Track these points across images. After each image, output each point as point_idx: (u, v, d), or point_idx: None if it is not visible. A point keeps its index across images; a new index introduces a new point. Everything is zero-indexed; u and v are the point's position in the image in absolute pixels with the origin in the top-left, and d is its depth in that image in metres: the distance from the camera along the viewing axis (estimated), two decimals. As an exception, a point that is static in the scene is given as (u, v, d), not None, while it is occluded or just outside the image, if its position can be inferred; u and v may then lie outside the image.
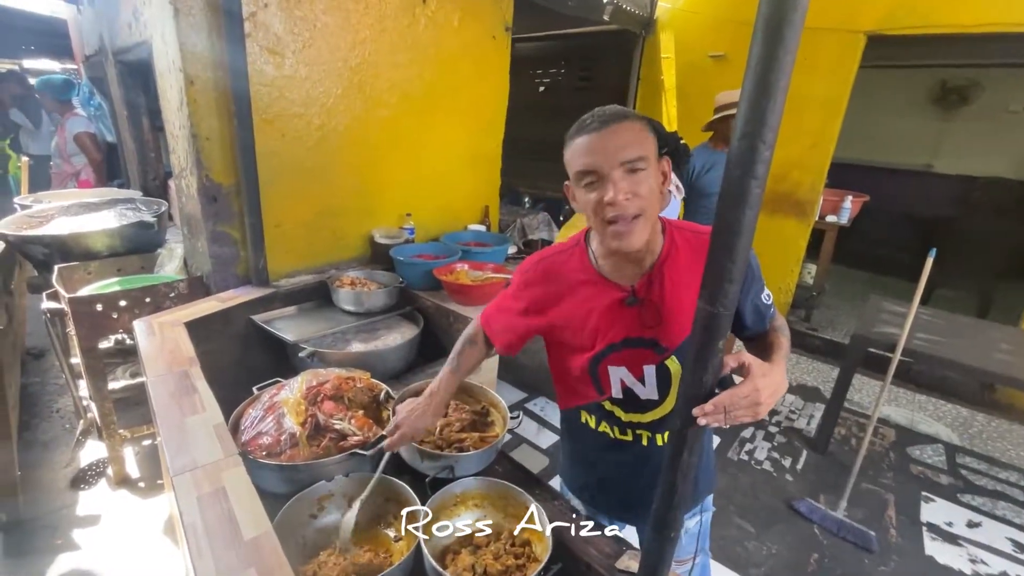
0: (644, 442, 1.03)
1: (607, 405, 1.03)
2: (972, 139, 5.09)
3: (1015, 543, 2.15)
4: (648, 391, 0.97)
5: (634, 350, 0.94)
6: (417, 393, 1.39)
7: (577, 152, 0.85)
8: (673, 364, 0.94)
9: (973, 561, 2.05)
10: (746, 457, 2.61)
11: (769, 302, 0.98)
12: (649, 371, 0.95)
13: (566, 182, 0.94)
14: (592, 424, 1.08)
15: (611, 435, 1.05)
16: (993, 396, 3.20)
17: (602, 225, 0.85)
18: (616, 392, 0.99)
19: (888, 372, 2.09)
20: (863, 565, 2.00)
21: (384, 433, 1.24)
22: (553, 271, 1.02)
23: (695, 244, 0.93)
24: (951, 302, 4.40)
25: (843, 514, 2.16)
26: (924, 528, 2.21)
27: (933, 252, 1.96)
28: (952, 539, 2.16)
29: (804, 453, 2.67)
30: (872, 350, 2.40)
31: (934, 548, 2.10)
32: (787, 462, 2.59)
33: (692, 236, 0.95)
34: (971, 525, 2.24)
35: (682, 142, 0.95)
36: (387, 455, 1.11)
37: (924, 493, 2.42)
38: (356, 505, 1.04)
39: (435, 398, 1.12)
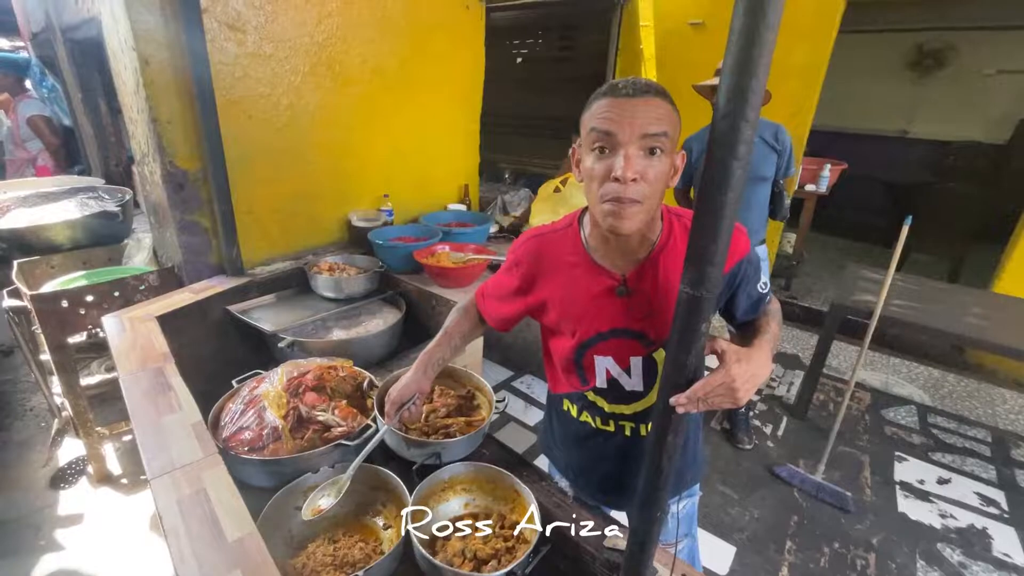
0: (627, 432, 1.02)
1: (590, 396, 1.02)
2: (947, 104, 5.14)
3: (982, 497, 2.26)
4: (634, 382, 0.96)
5: (621, 340, 0.93)
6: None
7: (599, 112, 0.79)
8: (660, 356, 0.92)
9: (943, 516, 2.15)
10: (729, 426, 2.67)
11: (765, 291, 0.97)
12: (636, 362, 0.94)
13: (574, 144, 0.90)
14: (574, 413, 1.08)
15: (593, 424, 1.05)
16: (963, 357, 3.31)
17: (598, 200, 0.81)
18: (600, 382, 0.98)
19: (865, 340, 2.14)
20: (840, 524, 2.08)
21: (369, 423, 1.24)
22: (544, 250, 0.99)
23: None
24: (924, 266, 4.51)
25: (821, 477, 2.24)
26: (897, 486, 2.30)
27: (909, 220, 1.98)
28: (923, 496, 2.25)
29: (784, 420, 2.74)
30: (850, 317, 2.45)
31: (906, 505, 2.20)
32: (768, 429, 2.66)
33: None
34: (941, 482, 2.34)
35: None
36: (381, 431, 1.09)
37: (897, 453, 2.51)
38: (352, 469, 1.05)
39: (418, 362, 1.11)
